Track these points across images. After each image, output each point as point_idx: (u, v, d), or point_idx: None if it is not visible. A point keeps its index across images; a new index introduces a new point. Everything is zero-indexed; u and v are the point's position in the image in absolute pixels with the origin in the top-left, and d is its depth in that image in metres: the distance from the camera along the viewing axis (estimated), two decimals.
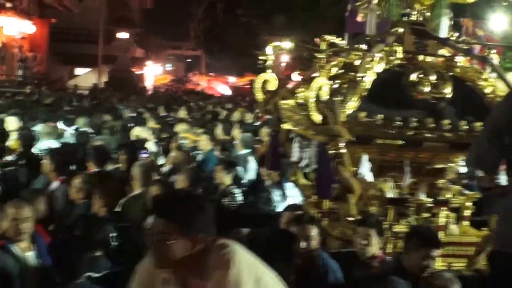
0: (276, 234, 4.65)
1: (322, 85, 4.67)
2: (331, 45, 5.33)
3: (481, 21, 17.35)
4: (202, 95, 28.99)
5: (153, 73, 41.99)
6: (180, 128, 11.20)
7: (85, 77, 36.84)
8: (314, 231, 4.67)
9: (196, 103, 21.07)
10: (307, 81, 4.69)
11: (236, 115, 15.05)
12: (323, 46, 5.23)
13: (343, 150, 4.68)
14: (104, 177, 6.72)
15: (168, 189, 5.86)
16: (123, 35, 41.43)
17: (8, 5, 30.48)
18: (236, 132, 10.78)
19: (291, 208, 5.20)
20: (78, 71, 40.19)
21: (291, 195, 7.27)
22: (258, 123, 13.27)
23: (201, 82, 44.87)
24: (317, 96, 4.67)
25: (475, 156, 4.03)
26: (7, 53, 32.02)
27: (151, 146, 9.65)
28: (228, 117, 15.10)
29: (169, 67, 55.91)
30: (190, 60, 61.21)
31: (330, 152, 4.67)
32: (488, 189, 4.38)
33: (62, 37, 39.53)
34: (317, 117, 4.66)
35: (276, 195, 7.58)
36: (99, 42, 37.43)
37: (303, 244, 4.52)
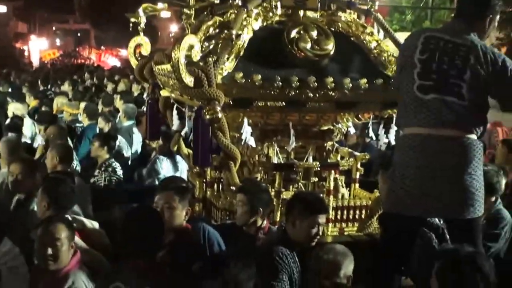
0: (138, 211, 4.21)
1: (192, 44, 4.20)
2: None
3: None
4: (90, 68, 27.77)
5: (39, 48, 40.28)
6: (59, 101, 10.53)
7: None
8: (176, 203, 4.25)
9: (80, 77, 20.09)
10: (178, 41, 4.20)
11: (120, 86, 14.44)
12: (191, 1, 4.74)
13: (220, 115, 4.25)
14: None
15: (30, 166, 5.27)
16: (1, 8, 38.87)
17: None
18: (119, 104, 10.24)
19: (168, 181, 4.73)
20: None
21: (184, 166, 6.90)
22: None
23: (92, 56, 43.71)
24: (188, 58, 4.22)
25: None
26: None
27: (26, 122, 8.95)
28: (114, 90, 14.48)
29: (57, 41, 54.20)
30: (79, 34, 59.29)
31: (206, 117, 4.23)
32: None
33: None
34: (188, 80, 4.20)
35: (166, 167, 7.19)
36: None
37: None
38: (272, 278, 3.80)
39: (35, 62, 36.42)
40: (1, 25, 36.33)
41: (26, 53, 38.63)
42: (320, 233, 4.09)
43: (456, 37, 3.82)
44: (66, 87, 15.28)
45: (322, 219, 4.06)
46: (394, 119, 4.68)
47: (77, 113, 9.76)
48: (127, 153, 8.18)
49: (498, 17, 4.00)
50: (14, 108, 9.71)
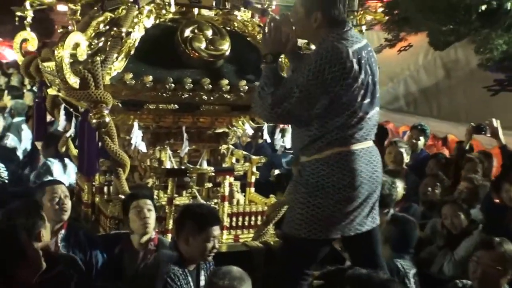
0: None
1: (78, 42, 3.85)
2: None
3: None
4: None
5: None
6: None
7: None
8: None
9: None
10: (62, 39, 3.84)
11: (13, 81, 13.70)
12: None
13: (108, 119, 3.92)
14: None
15: None
16: None
17: None
18: (7, 99, 9.66)
19: (48, 184, 4.36)
20: None
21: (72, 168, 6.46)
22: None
23: None
24: (73, 57, 3.87)
25: None
26: None
27: None
28: (7, 84, 13.71)
29: None
30: None
31: (92, 121, 3.89)
32: None
33: None
34: (74, 81, 3.85)
35: (56, 169, 6.74)
36: None
37: None
38: None
39: None
40: None
41: None
42: (217, 246, 3.78)
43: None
44: None
45: (216, 231, 3.74)
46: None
47: None
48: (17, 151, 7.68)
49: None
50: None
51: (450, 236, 4.92)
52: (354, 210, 3.52)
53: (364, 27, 4.84)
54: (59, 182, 4.43)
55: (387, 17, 8.84)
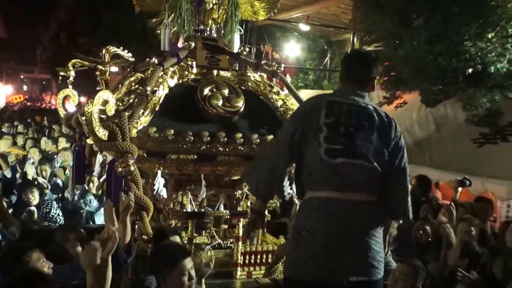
0: None
1: (106, 99, 3.61)
2: (115, 56, 4.26)
3: (278, 47, 17.40)
4: (48, 112, 26.53)
5: (4, 93, 38.94)
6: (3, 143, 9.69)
7: None
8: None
9: (32, 119, 18.88)
10: (91, 97, 3.61)
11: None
12: (106, 57, 4.15)
13: (133, 168, 3.66)
14: None
15: None
16: None
17: None
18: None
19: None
20: None
21: None
22: None
23: (53, 101, 42.43)
24: (103, 112, 3.63)
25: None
26: None
27: None
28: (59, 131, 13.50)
29: (25, 87, 52.83)
30: (44, 82, 57.80)
31: (119, 169, 3.63)
32: None
33: None
34: (102, 133, 3.60)
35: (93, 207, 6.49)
36: None
37: None
38: None
39: (1, 105, 35.00)
40: None
41: None
42: (193, 276, 3.30)
43: (355, 100, 3.23)
44: (20, 128, 14.36)
45: (189, 264, 3.27)
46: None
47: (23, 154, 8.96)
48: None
49: None
50: None
51: None
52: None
53: None
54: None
55: (384, 78, 8.67)
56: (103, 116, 3.66)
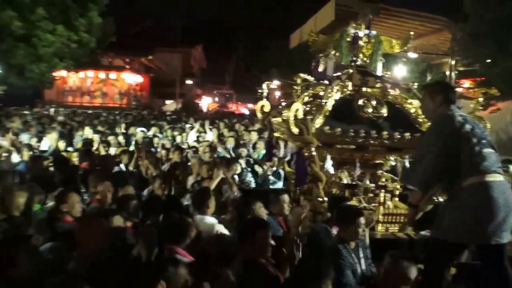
0: None
1: (298, 108, 3.75)
2: (304, 80, 4.37)
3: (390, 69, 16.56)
4: (232, 115, 27.94)
5: (206, 103, 41.63)
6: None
7: (169, 105, 36.12)
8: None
9: (222, 121, 19.21)
10: (288, 106, 3.76)
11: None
12: (298, 81, 4.27)
13: (314, 153, 3.76)
14: None
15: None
16: (189, 82, 40.44)
17: (127, 66, 31.71)
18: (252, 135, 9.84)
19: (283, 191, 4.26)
20: (167, 102, 39.29)
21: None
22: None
23: (233, 107, 44.46)
24: (295, 116, 3.77)
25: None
26: (127, 92, 32.26)
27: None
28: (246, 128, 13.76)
29: (216, 100, 55.94)
30: (227, 95, 60.81)
31: (305, 154, 3.74)
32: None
33: (157, 83, 38.30)
34: (295, 130, 3.74)
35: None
36: (176, 85, 36.88)
37: None
38: None
39: (204, 110, 37.53)
40: (189, 91, 38.02)
41: (200, 105, 39.83)
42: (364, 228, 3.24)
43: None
44: (221, 125, 14.31)
45: (363, 220, 3.18)
46: None
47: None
48: None
49: None
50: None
51: None
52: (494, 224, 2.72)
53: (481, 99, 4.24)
54: None
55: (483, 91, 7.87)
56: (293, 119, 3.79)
